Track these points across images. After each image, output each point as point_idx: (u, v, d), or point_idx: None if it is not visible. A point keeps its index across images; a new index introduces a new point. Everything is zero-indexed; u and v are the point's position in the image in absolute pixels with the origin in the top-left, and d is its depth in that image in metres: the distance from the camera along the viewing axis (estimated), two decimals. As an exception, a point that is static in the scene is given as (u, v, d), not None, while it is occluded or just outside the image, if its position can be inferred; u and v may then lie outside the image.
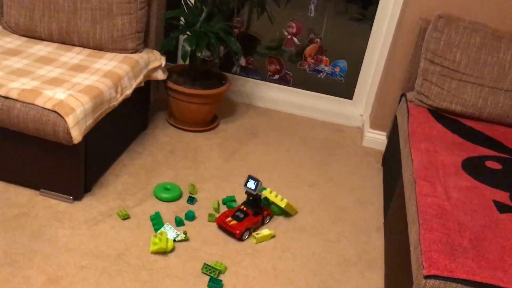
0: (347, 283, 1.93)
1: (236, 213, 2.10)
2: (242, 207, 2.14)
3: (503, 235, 1.55)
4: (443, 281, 1.38)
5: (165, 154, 2.54)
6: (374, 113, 2.94)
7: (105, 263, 1.82)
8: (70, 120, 1.85)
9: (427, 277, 1.39)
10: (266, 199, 2.24)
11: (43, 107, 1.87)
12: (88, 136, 2.04)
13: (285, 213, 2.26)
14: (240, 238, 2.03)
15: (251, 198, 2.15)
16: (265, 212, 2.16)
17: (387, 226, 2.19)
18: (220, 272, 1.87)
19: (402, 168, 2.08)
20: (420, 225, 1.56)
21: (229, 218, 2.07)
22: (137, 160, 2.45)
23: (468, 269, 1.40)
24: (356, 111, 3.17)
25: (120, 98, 2.18)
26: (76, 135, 1.88)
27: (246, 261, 1.95)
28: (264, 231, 2.08)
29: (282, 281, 1.89)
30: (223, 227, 2.06)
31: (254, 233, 2.05)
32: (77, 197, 2.11)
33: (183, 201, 2.22)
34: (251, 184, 2.12)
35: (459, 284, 1.37)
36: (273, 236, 2.10)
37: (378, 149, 2.94)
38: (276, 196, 2.21)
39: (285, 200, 2.19)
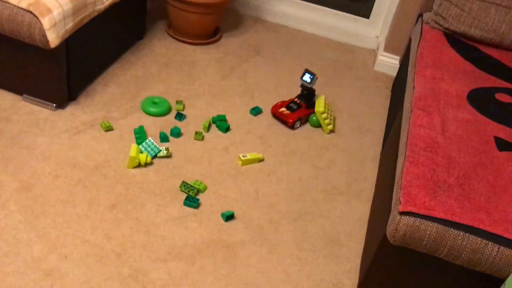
0: (330, 210, 1.86)
1: (290, 104, 2.21)
2: (296, 99, 2.25)
3: (496, 175, 1.42)
4: (418, 219, 1.27)
5: (159, 66, 2.42)
6: (390, 34, 2.71)
7: (81, 173, 1.78)
8: (45, 22, 1.73)
9: (402, 213, 1.29)
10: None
11: (17, 6, 1.74)
12: (70, 41, 1.92)
13: (317, 131, 2.25)
14: (292, 127, 2.18)
15: (305, 91, 2.24)
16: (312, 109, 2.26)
17: (382, 157, 2.07)
18: (198, 191, 1.81)
19: (404, 95, 1.92)
20: (406, 158, 1.43)
21: (283, 108, 2.19)
22: (128, 71, 2.34)
23: (448, 208, 1.28)
24: (372, 31, 2.94)
25: (106, 2, 2.03)
26: (53, 39, 1.76)
27: (228, 182, 1.88)
28: (252, 154, 1.99)
29: (262, 204, 1.82)
30: (277, 116, 2.20)
31: (240, 155, 1.97)
32: (60, 105, 2.04)
33: (171, 117, 2.13)
34: (307, 77, 2.19)
35: (435, 224, 1.27)
36: (261, 160, 2.02)
37: (389, 75, 2.74)
38: (322, 103, 2.22)
39: (323, 109, 2.20)
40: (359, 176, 2.04)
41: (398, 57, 2.73)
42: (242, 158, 1.96)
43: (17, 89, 2.04)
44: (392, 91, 2.60)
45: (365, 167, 2.10)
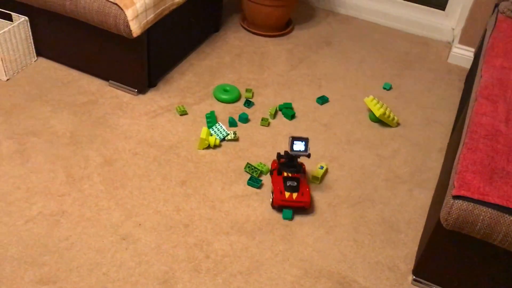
0: (391, 198, 1.88)
1: (288, 184, 1.75)
2: (284, 173, 1.78)
3: (560, 164, 1.38)
4: (472, 204, 1.28)
5: (232, 56, 2.55)
6: (466, 26, 2.64)
7: (157, 152, 1.95)
8: (129, 13, 1.91)
9: (455, 197, 1.31)
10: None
11: (105, 0, 1.94)
12: (151, 32, 2.10)
13: (381, 122, 2.23)
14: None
15: (286, 160, 1.81)
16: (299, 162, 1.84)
17: (449, 147, 2.05)
18: (261, 173, 1.91)
19: (473, 85, 1.89)
20: (464, 144, 1.44)
21: (287, 193, 1.74)
22: (204, 61, 2.49)
23: (504, 194, 1.28)
24: (447, 23, 2.88)
25: (184, -4, 2.18)
26: (135, 29, 1.94)
27: (291, 166, 1.97)
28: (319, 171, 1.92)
29: (322, 189, 1.89)
30: (289, 206, 1.76)
31: (314, 174, 1.87)
32: (141, 90, 2.23)
33: (240, 103, 2.25)
34: (300, 146, 1.75)
35: (489, 209, 1.27)
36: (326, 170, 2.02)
37: (463, 67, 2.68)
38: (376, 104, 2.17)
39: (381, 110, 2.15)
40: (423, 166, 2.04)
41: (473, 49, 2.66)
42: (320, 169, 1.92)
43: (104, 75, 2.25)
44: (465, 83, 2.54)
45: (431, 157, 2.09)
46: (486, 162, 1.36)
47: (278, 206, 1.76)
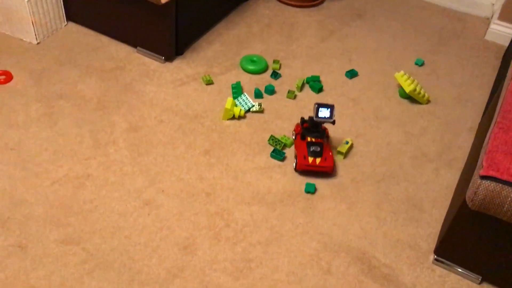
0: (416, 176, 1.85)
1: (312, 149, 1.77)
2: (308, 138, 1.79)
3: None
4: (500, 184, 1.24)
5: (261, 26, 2.51)
6: (507, 1, 2.53)
7: (182, 120, 1.95)
8: (158, -21, 1.89)
9: (483, 177, 1.27)
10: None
11: (135, -35, 1.92)
12: (179, 1, 2.07)
13: (411, 98, 2.17)
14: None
15: (309, 124, 1.82)
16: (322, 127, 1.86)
17: (480, 127, 1.99)
18: (285, 145, 1.90)
19: (511, 63, 1.82)
20: (497, 123, 1.39)
21: (310, 158, 1.75)
22: (232, 30, 2.46)
23: (535, 177, 1.24)
24: (487, -2, 2.76)
25: (214, -38, 2.15)
26: (164, -5, 1.93)
27: (316, 140, 1.94)
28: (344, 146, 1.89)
29: (346, 164, 1.86)
30: (312, 171, 1.79)
31: (339, 149, 1.86)
32: (169, 58, 2.22)
33: (267, 75, 2.22)
34: (326, 113, 1.75)
35: (518, 191, 1.23)
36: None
37: (501, 44, 2.57)
38: (407, 80, 2.11)
39: (412, 86, 2.09)
40: (452, 145, 1.99)
41: (513, 26, 2.55)
42: (345, 144, 1.89)
43: (132, 41, 2.25)
44: (501, 62, 2.44)
45: (460, 137, 2.03)
46: (518, 143, 1.31)
47: (302, 170, 1.79)
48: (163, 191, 1.69)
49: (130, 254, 1.51)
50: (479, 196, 1.27)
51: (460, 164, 1.92)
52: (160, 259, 1.51)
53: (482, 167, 1.28)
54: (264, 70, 2.23)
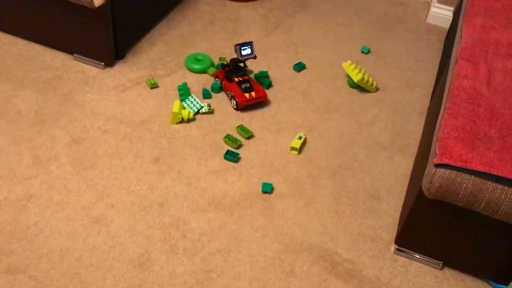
0: (371, 166, 1.84)
1: (243, 87, 1.98)
2: (236, 79, 2.00)
3: (544, 127, 1.34)
4: (454, 171, 1.24)
5: (204, 24, 2.43)
6: (445, -16, 2.56)
7: (128, 128, 1.86)
8: (89, -18, 1.78)
9: (437, 165, 1.26)
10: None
11: (63, -33, 1.80)
12: (115, 1, 1.97)
13: (360, 87, 2.16)
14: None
15: (231, 66, 2.03)
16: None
17: (429, 112, 2.01)
18: (240, 145, 1.84)
19: (453, 46, 1.83)
20: (446, 109, 1.38)
21: (246, 94, 1.96)
22: (174, 29, 2.37)
23: (487, 161, 1.24)
24: (425, -18, 2.79)
25: (149, -40, 2.05)
26: (97, -2, 1.82)
27: (268, 137, 1.90)
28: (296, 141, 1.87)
29: (301, 159, 1.83)
30: (250, 105, 2.00)
31: (292, 145, 1.85)
32: (109, 63, 2.11)
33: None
34: (248, 50, 2.01)
35: (472, 176, 1.23)
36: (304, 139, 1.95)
37: (443, 27, 2.61)
38: (354, 69, 2.10)
39: (360, 75, 2.08)
40: (404, 131, 2.00)
41: (452, 8, 2.59)
42: (298, 140, 1.86)
43: (68, 48, 2.13)
44: (444, 44, 2.48)
45: (411, 122, 2.04)
46: (467, 128, 1.31)
47: (243, 107, 1.98)
48: (112, 206, 1.60)
49: (82, 277, 1.42)
50: (435, 185, 1.26)
51: (413, 150, 1.92)
52: (114, 279, 1.42)
53: (436, 155, 1.27)
54: (208, 68, 2.16)
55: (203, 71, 2.15)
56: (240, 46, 1.99)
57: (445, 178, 1.24)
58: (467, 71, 1.50)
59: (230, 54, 2.27)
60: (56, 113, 1.89)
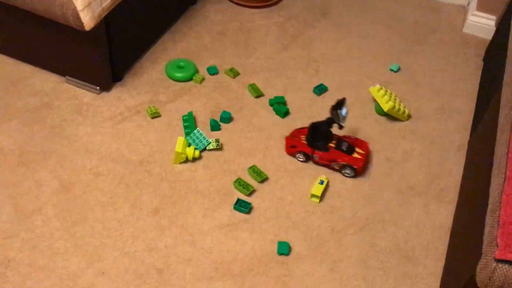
0: (405, 217, 1.59)
1: (344, 148, 1.65)
2: (331, 144, 1.65)
3: None
4: (521, 270, 0.99)
5: (213, 36, 2.17)
6: (485, -11, 2.26)
7: (125, 170, 1.63)
8: (78, 3, 1.53)
9: (500, 261, 1.01)
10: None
11: (48, -16, 1.55)
12: (110, 19, 1.71)
13: (389, 115, 1.88)
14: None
15: (315, 136, 1.65)
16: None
17: (472, 145, 1.74)
18: (253, 191, 1.60)
19: (505, 66, 1.55)
20: (507, 179, 1.12)
21: (355, 155, 1.64)
22: (180, 43, 2.11)
23: None
24: (462, -16, 2.48)
25: (149, -30, 1.79)
26: (87, 20, 1.56)
27: (285, 180, 1.65)
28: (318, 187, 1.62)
29: (324, 208, 1.59)
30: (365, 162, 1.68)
31: (313, 192, 1.60)
32: (105, 87, 1.87)
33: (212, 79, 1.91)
34: (345, 110, 1.59)
35: (545, 277, 0.98)
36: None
37: (481, 38, 2.31)
38: (384, 95, 1.84)
39: (391, 103, 1.81)
40: (441, 171, 1.74)
41: (494, 17, 2.28)
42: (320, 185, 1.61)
43: (60, 70, 1.88)
44: (484, 59, 2.19)
45: (449, 159, 1.78)
46: (537, 207, 1.06)
47: (361, 169, 1.66)
48: (103, 273, 1.38)
49: None
50: (496, 283, 1.02)
51: (452, 195, 1.67)
52: None
53: (497, 246, 1.02)
54: (194, 76, 1.94)
55: (187, 80, 1.92)
56: (337, 108, 1.57)
57: (509, 278, 1.00)
58: (529, 124, 1.23)
59: (241, 73, 2.00)
60: (43, 151, 1.66)
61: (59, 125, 1.74)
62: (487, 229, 1.11)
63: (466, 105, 1.98)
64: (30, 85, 1.86)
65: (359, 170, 1.65)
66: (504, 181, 1.13)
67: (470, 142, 1.80)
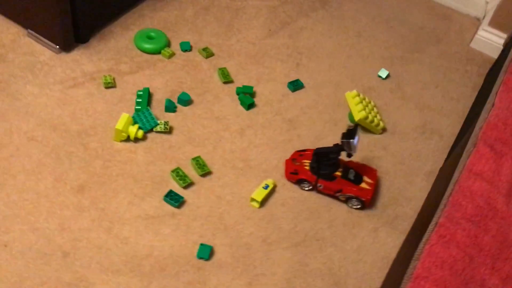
0: (347, 239, 1.45)
1: (351, 178, 1.49)
2: (338, 173, 1.49)
3: None
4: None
5: (196, 10, 2.02)
6: (502, 3, 2.05)
7: (60, 139, 1.52)
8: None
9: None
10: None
11: None
12: (74, -26, 1.59)
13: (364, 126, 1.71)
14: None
15: (319, 163, 1.48)
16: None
17: (440, 174, 1.59)
18: (190, 184, 1.49)
19: (485, 106, 1.39)
20: (437, 227, 0.98)
21: (364, 185, 1.49)
22: (159, 12, 1.98)
23: (472, 333, 0.85)
24: (481, -6, 2.27)
25: None
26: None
27: (229, 178, 1.53)
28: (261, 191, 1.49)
29: (261, 216, 1.46)
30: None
31: (253, 196, 1.46)
32: (65, 47, 1.76)
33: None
34: (357, 138, 1.41)
35: None
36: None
37: (488, 56, 2.11)
38: (358, 103, 1.67)
39: (363, 113, 1.65)
40: (401, 196, 1.59)
41: (505, 36, 2.08)
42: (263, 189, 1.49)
43: (23, 22, 1.78)
44: (484, 80, 2.00)
45: (414, 184, 1.62)
46: (459, 267, 0.91)
47: (369, 201, 1.51)
48: (6, 246, 1.29)
49: None
50: None
51: (406, 224, 1.52)
52: None
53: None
54: (164, 48, 1.81)
55: (156, 52, 1.80)
56: (349, 137, 1.40)
57: None
58: (484, 166, 1.08)
59: (216, 55, 1.86)
60: (-19, 105, 1.57)
61: (6, 80, 1.64)
62: (404, 279, 0.97)
63: (451, 128, 1.81)
64: (-11, 33, 1.76)
65: (367, 203, 1.49)
66: (435, 227, 0.98)
67: (440, 170, 1.65)
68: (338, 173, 1.49)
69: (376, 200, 1.56)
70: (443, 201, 1.06)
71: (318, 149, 1.48)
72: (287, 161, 1.54)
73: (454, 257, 0.92)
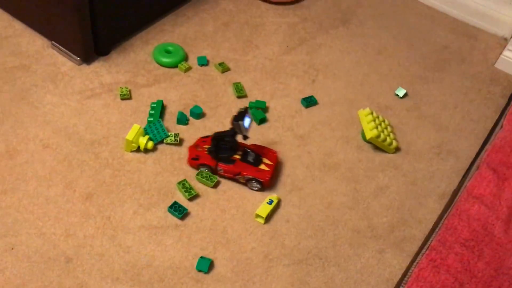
0: (351, 259, 1.42)
1: (250, 160, 1.51)
2: (236, 156, 1.52)
3: None
4: None
5: (217, 25, 2.06)
6: (530, 23, 2.00)
7: (73, 147, 1.57)
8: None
9: None
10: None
11: None
12: (95, -10, 1.65)
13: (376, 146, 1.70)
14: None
15: (218, 146, 1.51)
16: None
17: (453, 197, 1.54)
18: (196, 196, 1.50)
19: (496, 128, 1.35)
20: (429, 250, 0.95)
21: (262, 167, 1.51)
22: (179, 27, 2.02)
23: None
24: (509, 12, 2.21)
25: None
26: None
27: (235, 191, 1.53)
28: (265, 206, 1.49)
29: (265, 231, 1.46)
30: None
31: (258, 212, 1.46)
32: (86, 59, 1.82)
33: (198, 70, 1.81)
34: (247, 122, 1.45)
35: None
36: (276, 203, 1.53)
37: (513, 78, 2.06)
38: (371, 122, 1.66)
39: (375, 131, 1.63)
40: (411, 218, 1.55)
41: (531, 57, 2.02)
42: (268, 204, 1.49)
43: (48, 34, 1.86)
44: (508, 102, 1.94)
45: (425, 206, 1.58)
46: (449, 293, 0.88)
47: (268, 182, 1.53)
48: (12, 248, 1.34)
49: None
50: None
51: (413, 247, 1.48)
52: None
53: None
54: (180, 63, 1.86)
55: (173, 66, 1.84)
56: (239, 119, 1.43)
57: None
58: (485, 190, 1.04)
59: (232, 70, 1.89)
60: (3, 112, 1.63)
61: (28, 89, 1.71)
62: (393, 302, 0.94)
63: (469, 150, 1.76)
64: (16, 44, 1.84)
65: (265, 183, 1.51)
66: (425, 251, 0.96)
67: (454, 192, 1.60)
68: (237, 157, 1.52)
69: (386, 219, 1.53)
70: (440, 224, 1.03)
71: (215, 133, 1.51)
72: (190, 148, 1.56)
73: (442, 283, 0.89)
